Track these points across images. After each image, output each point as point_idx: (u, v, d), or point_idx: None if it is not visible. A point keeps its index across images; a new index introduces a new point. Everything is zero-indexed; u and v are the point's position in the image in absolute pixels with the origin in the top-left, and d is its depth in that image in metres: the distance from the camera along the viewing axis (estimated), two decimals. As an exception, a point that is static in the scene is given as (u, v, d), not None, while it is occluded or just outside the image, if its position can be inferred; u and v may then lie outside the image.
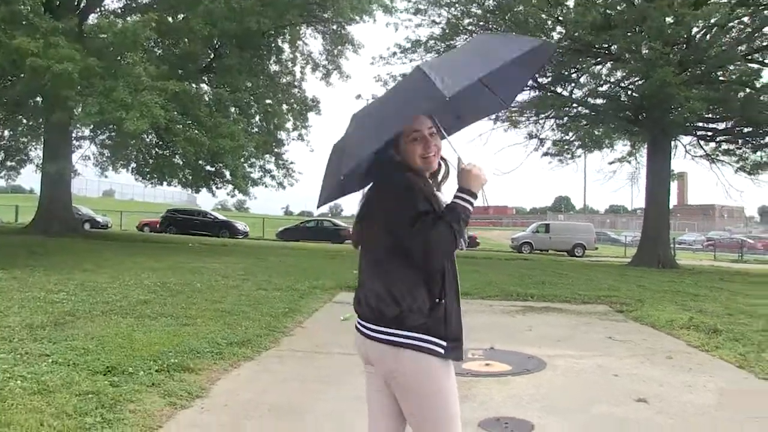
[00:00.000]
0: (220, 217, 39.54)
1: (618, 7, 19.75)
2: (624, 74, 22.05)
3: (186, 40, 21.59)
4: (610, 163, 26.46)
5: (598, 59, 22.40)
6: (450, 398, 2.17)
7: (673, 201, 35.22)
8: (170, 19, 21.41)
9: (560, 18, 21.14)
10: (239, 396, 4.45)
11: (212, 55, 24.08)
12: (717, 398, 4.79)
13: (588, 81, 23.45)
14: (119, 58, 17.67)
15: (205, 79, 25.04)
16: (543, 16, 20.71)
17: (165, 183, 26.20)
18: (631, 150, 25.98)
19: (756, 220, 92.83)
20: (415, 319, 2.11)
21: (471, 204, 2.15)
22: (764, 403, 4.85)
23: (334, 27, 25.71)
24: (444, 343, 2.12)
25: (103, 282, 9.54)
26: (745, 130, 21.69)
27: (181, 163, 23.48)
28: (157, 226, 36.19)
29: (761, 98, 19.50)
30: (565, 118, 24.34)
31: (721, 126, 22.53)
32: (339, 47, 26.43)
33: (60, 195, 23.24)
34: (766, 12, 18.84)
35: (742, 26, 19.54)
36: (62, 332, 5.82)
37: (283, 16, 22.15)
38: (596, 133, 25.22)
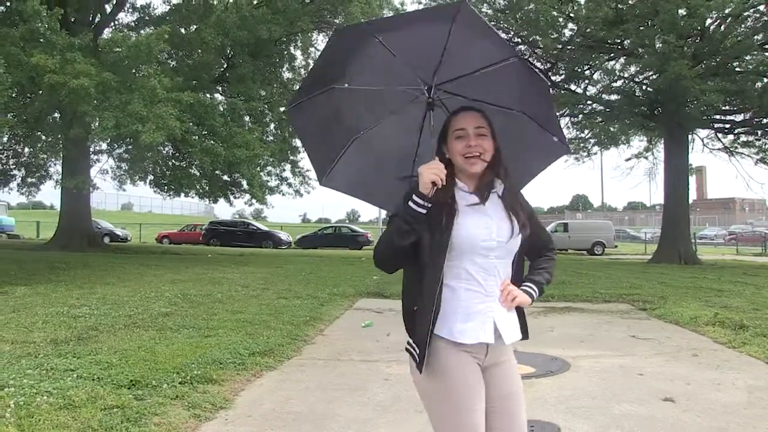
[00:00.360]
0: (263, 227, 39.60)
1: (630, 1, 19.59)
2: (638, 69, 21.87)
3: (199, 50, 21.74)
4: (627, 160, 26.41)
5: (612, 55, 22.24)
6: (442, 408, 2.08)
7: (692, 195, 34.83)
8: (183, 30, 21.58)
9: (571, 15, 21.02)
10: (263, 406, 4.46)
11: (225, 65, 24.18)
12: (746, 396, 4.72)
13: (602, 77, 23.31)
14: (134, 71, 17.85)
15: (219, 88, 25.16)
16: (554, 13, 20.60)
17: (182, 194, 26.37)
18: (648, 145, 25.85)
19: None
20: (406, 324, 2.17)
21: (417, 204, 2.01)
22: (795, 399, 4.74)
23: (346, 32, 25.78)
24: (417, 351, 2.08)
25: (124, 295, 9.61)
26: (765, 120, 21.39)
27: (198, 173, 23.59)
28: (200, 238, 36.55)
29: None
30: (580, 116, 24.21)
31: (739, 118, 22.27)
32: (351, 53, 26.50)
33: (80, 210, 23.52)
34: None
35: (758, 15, 19.24)
36: (86, 347, 5.87)
37: (294, 23, 22.25)
38: (612, 129, 25.10)
